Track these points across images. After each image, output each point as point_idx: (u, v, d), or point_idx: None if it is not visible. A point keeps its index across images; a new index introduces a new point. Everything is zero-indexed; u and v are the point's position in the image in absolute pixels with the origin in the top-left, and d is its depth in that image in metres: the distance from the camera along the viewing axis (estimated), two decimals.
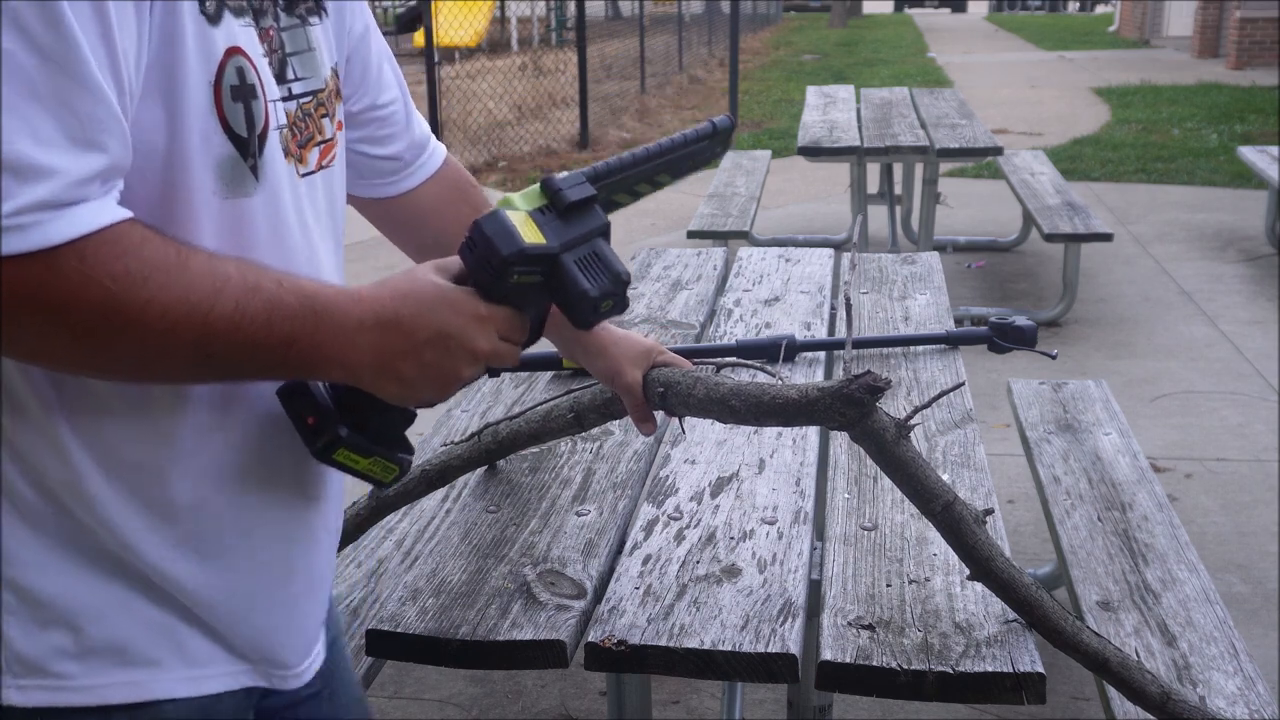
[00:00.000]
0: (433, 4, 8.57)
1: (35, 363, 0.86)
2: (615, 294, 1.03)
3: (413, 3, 18.43)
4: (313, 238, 1.04)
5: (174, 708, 0.98)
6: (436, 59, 8.43)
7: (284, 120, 0.99)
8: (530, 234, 0.99)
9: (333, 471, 1.07)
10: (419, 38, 12.89)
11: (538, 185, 1.03)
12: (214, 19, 0.89)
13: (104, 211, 0.81)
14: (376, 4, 22.17)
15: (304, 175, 1.02)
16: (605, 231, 1.05)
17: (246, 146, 0.93)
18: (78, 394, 0.91)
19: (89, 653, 0.95)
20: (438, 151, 1.30)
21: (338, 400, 0.99)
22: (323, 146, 1.06)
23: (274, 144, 0.97)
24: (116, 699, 0.96)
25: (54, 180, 0.78)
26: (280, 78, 0.99)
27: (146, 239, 0.83)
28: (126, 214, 0.83)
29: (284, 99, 0.99)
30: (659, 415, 1.33)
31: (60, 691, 0.94)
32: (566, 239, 1.01)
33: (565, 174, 1.04)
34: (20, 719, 0.94)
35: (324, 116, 1.05)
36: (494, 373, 1.03)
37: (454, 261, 1.01)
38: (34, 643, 0.93)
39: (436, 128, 8.28)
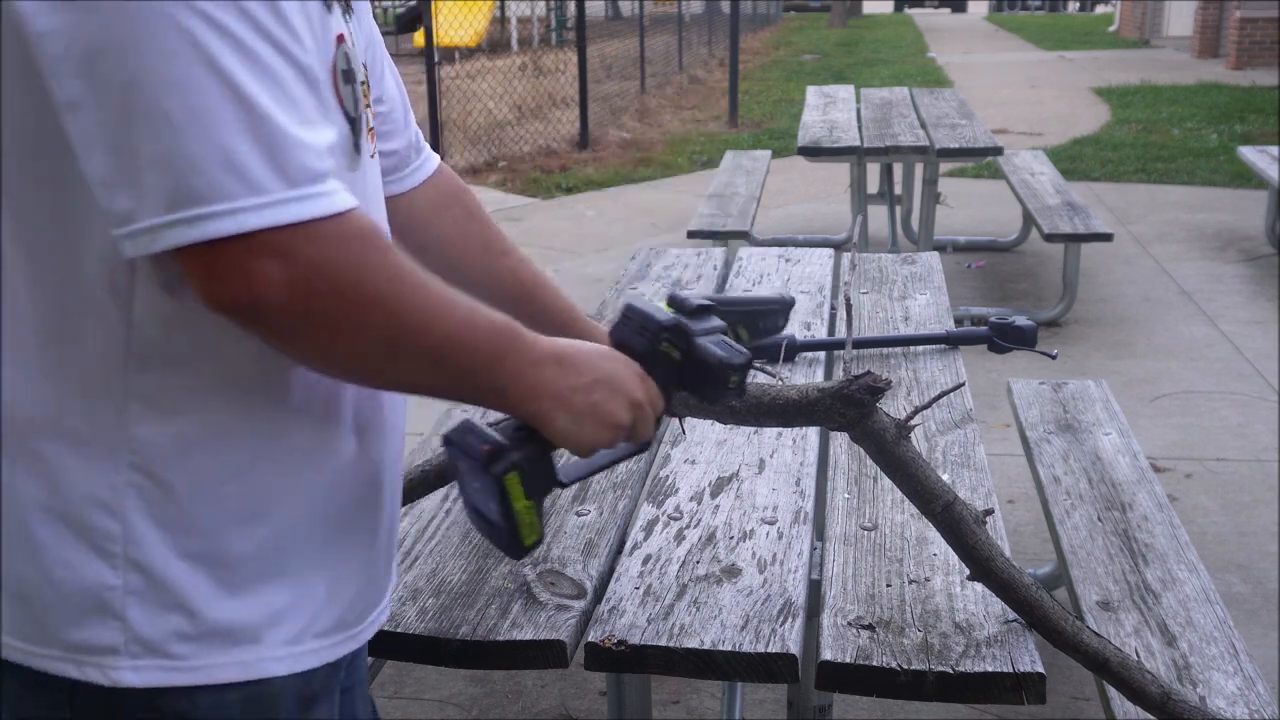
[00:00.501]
0: (433, 4, 8.57)
1: (290, 345, 0.89)
2: (743, 371, 1.16)
3: (413, 3, 18.43)
4: (381, 221, 1.10)
5: (280, 684, 1.01)
6: (436, 59, 8.43)
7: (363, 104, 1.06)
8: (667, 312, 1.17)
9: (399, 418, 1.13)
10: (419, 38, 12.89)
11: (665, 298, 1.21)
12: (329, 7, 0.96)
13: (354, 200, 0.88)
14: (377, 4, 22.19)
15: (371, 157, 1.09)
16: (725, 332, 1.21)
17: (356, 125, 1.00)
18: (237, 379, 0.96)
19: (203, 634, 0.97)
20: (432, 156, 1.34)
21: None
22: (370, 133, 1.11)
23: (363, 124, 1.04)
24: (228, 678, 0.99)
25: (309, 151, 0.85)
26: None
27: (391, 241, 0.91)
28: None
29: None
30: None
31: (176, 672, 0.97)
32: (700, 328, 1.17)
33: (685, 292, 1.23)
34: (133, 701, 0.97)
35: (367, 106, 1.10)
36: (596, 468, 1.21)
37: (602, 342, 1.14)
38: (155, 625, 0.96)
39: (436, 128, 8.29)
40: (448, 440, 1.09)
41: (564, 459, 1.15)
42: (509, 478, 1.06)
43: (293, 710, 1.03)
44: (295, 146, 0.84)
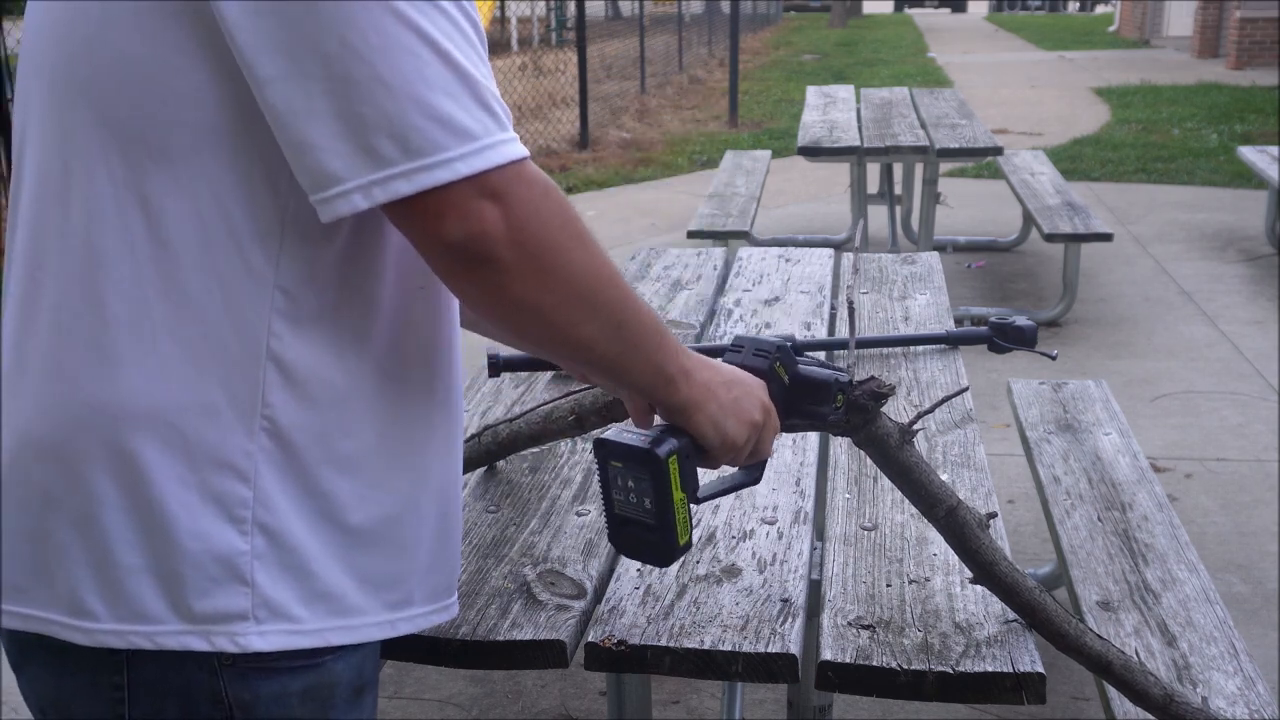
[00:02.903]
0: None
1: (501, 294, 0.92)
2: (847, 389, 1.25)
3: None
4: None
5: (339, 673, 1.04)
6: None
7: None
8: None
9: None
10: None
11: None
12: None
13: None
14: None
15: None
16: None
17: None
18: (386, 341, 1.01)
19: (317, 596, 1.00)
20: None
21: None
22: None
23: None
24: (336, 641, 1.01)
25: (498, 101, 0.92)
26: None
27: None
28: None
29: None
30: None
31: (295, 635, 0.99)
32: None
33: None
34: (198, 689, 0.98)
35: None
36: (722, 491, 1.28)
37: None
38: (278, 588, 0.98)
39: None
40: (601, 443, 1.16)
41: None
42: (671, 461, 1.12)
43: (346, 700, 1.05)
44: (490, 96, 0.90)
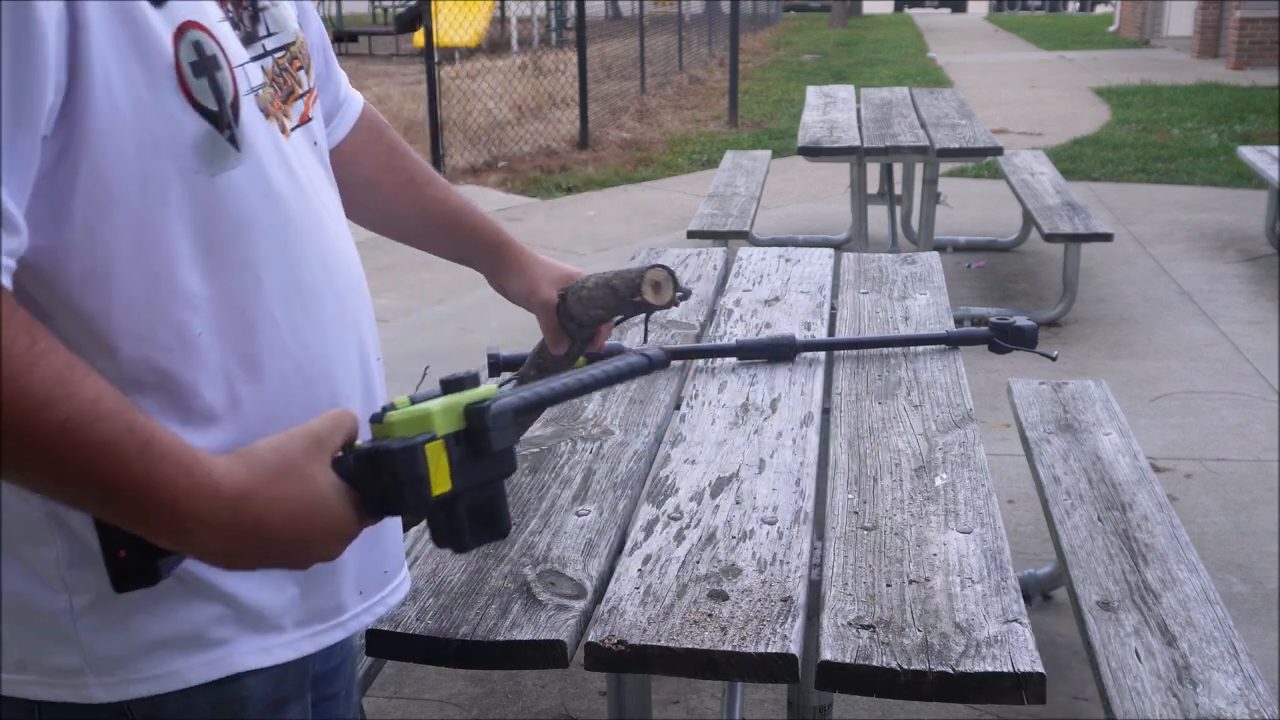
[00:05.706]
0: (433, 4, 8.57)
1: None
2: (489, 541, 0.99)
3: (413, 2, 18.41)
4: (311, 197, 1.02)
5: (250, 688, 1.00)
6: (436, 59, 8.42)
7: (259, 80, 0.98)
8: (439, 478, 0.91)
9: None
10: (419, 38, 12.88)
11: (464, 407, 0.93)
12: (158, 2, 0.88)
13: None
14: (377, 4, 22.14)
15: (291, 131, 1.01)
16: (510, 475, 0.98)
17: (220, 119, 0.91)
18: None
19: (168, 640, 0.96)
20: (354, 100, 1.31)
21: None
22: (304, 99, 1.05)
23: (250, 109, 0.95)
24: (198, 679, 0.97)
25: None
26: (253, 36, 0.99)
27: (6, 320, 0.78)
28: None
29: (258, 57, 0.98)
30: (658, 422, 1.33)
31: (138, 684, 0.96)
32: (470, 483, 0.94)
33: (501, 401, 0.93)
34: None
35: (300, 69, 1.05)
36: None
37: (346, 421, 0.94)
38: (107, 644, 0.95)
39: (436, 128, 8.28)
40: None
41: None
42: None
43: (262, 715, 1.02)
44: None
